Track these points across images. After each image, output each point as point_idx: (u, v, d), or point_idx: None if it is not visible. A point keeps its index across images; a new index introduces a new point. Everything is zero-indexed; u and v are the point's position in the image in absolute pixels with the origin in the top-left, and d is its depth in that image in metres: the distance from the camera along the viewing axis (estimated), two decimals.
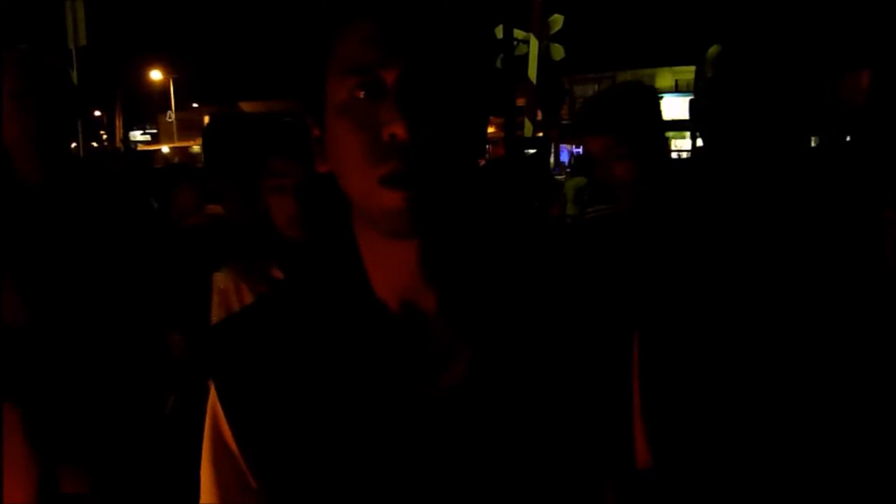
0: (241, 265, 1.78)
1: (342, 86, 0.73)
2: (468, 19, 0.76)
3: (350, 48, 0.72)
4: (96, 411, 1.80)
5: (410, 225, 0.71)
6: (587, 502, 0.77)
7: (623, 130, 1.82)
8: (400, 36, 0.71)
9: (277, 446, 0.78)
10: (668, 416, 0.80)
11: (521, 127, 11.65)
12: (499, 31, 10.88)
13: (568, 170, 14.62)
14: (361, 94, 0.71)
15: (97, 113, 40.79)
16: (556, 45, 11.15)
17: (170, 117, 40.34)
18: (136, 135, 43.79)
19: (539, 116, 11.69)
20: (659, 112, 1.93)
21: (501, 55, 10.88)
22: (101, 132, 41.37)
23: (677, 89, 29.61)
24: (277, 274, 1.71)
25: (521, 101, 12.49)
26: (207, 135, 2.31)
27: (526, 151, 8.63)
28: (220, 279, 1.78)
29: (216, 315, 1.77)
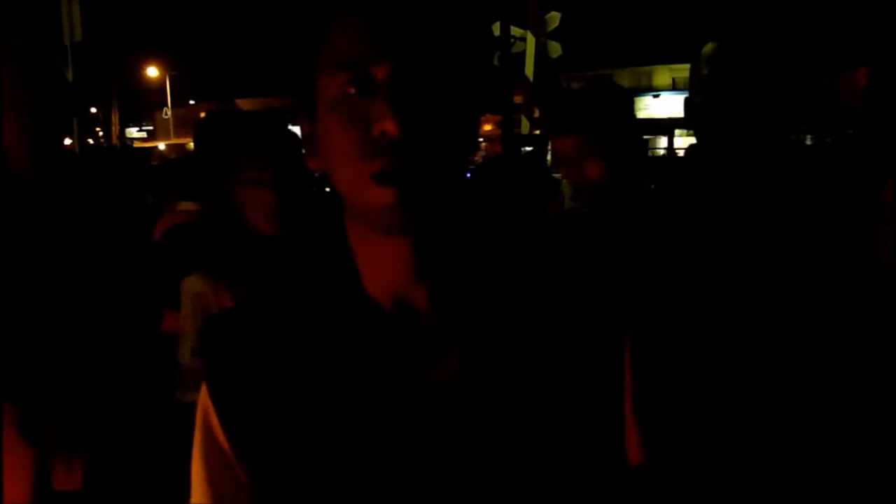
0: (215, 267, 1.75)
1: (333, 82, 0.72)
2: (460, 15, 0.75)
3: (341, 43, 0.72)
4: (88, 408, 1.79)
5: (401, 221, 0.71)
6: (579, 499, 0.77)
7: (596, 130, 1.81)
8: (391, 31, 0.70)
9: (268, 442, 0.78)
10: (660, 414, 0.80)
11: (519, 124, 11.65)
12: (496, 28, 10.86)
13: None
14: (352, 90, 0.71)
15: (93, 110, 40.71)
16: (553, 42, 11.13)
17: (166, 114, 40.29)
18: (133, 131, 43.74)
19: (536, 114, 11.67)
20: (632, 112, 1.94)
21: (498, 52, 10.87)
22: (98, 129, 41.27)
23: (675, 87, 29.64)
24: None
25: (518, 99, 12.48)
26: (199, 131, 2.31)
27: (523, 149, 8.63)
28: (195, 283, 1.75)
29: (192, 320, 1.75)
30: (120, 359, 1.87)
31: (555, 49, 11.13)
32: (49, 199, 1.85)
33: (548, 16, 11.08)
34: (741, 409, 1.28)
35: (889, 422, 1.28)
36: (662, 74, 32.47)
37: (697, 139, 1.49)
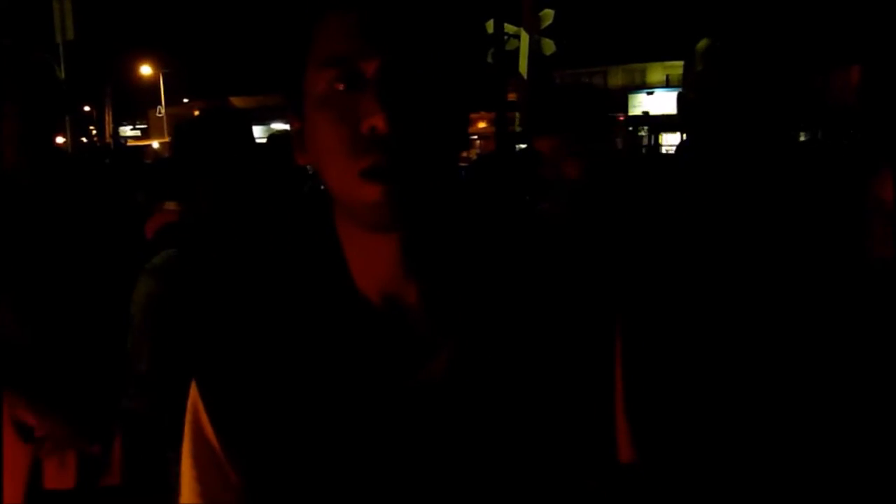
0: (171, 269, 1.68)
1: (322, 77, 0.72)
2: (450, 11, 0.75)
3: (329, 39, 0.72)
4: (80, 408, 1.79)
5: (391, 218, 0.70)
6: (569, 496, 0.77)
7: (575, 131, 1.88)
8: (380, 27, 0.70)
9: (259, 440, 0.77)
10: (650, 412, 0.80)
11: (513, 122, 11.66)
12: (489, 26, 10.87)
13: None
14: (341, 87, 0.71)
15: (86, 108, 40.60)
16: (547, 39, 11.14)
17: (160, 112, 40.17)
18: (126, 130, 43.63)
19: None
20: (607, 114, 2.03)
21: (492, 50, 10.88)
22: (91, 127, 41.16)
23: (668, 84, 29.67)
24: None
25: (512, 96, 12.49)
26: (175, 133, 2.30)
27: (517, 146, 8.63)
28: (151, 285, 1.67)
29: (147, 321, 1.65)
30: (113, 356, 1.87)
31: (548, 46, 11.14)
32: (40, 198, 1.84)
33: (541, 13, 11.09)
34: (733, 406, 1.28)
35: (881, 418, 1.29)
36: (656, 71, 32.51)
37: (690, 136, 1.49)
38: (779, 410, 1.29)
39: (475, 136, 27.80)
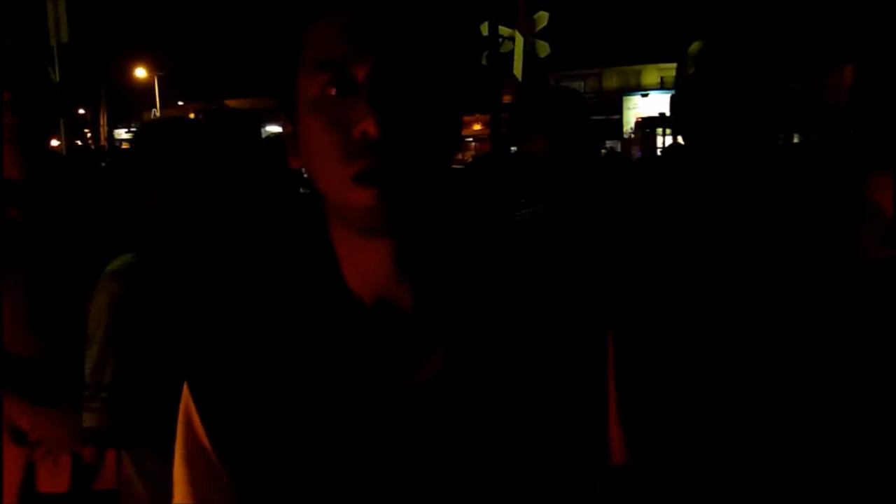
0: (133, 274, 1.62)
1: (314, 82, 0.72)
2: (443, 14, 0.75)
3: (321, 43, 0.72)
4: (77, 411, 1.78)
5: (383, 222, 0.70)
6: (563, 498, 0.77)
7: (553, 133, 1.91)
8: (371, 30, 0.70)
9: (252, 442, 0.77)
10: (643, 414, 0.81)
11: (507, 124, 11.64)
12: (484, 28, 10.86)
13: None
14: (333, 91, 0.71)
15: (81, 111, 40.51)
16: (542, 42, 11.14)
17: (155, 115, 40.09)
18: (121, 133, 43.49)
19: None
20: (587, 116, 2.04)
21: (487, 52, 10.88)
22: (86, 130, 41.08)
23: (663, 86, 29.69)
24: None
25: (507, 99, 12.48)
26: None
27: (512, 148, 8.62)
28: (114, 290, 1.61)
29: (112, 328, 1.59)
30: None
31: (543, 49, 11.13)
32: (36, 202, 1.84)
33: (536, 15, 11.09)
34: (725, 408, 1.29)
35: (871, 418, 1.29)
36: (651, 74, 32.54)
37: (682, 138, 1.49)
38: (772, 412, 1.30)
39: (470, 139, 27.81)
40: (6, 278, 1.75)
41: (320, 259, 0.80)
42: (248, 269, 0.89)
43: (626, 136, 29.09)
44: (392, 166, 0.69)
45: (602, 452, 0.80)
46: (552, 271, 0.81)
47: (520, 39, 10.99)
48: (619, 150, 24.51)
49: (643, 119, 24.26)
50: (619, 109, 29.87)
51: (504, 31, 11.12)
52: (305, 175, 0.81)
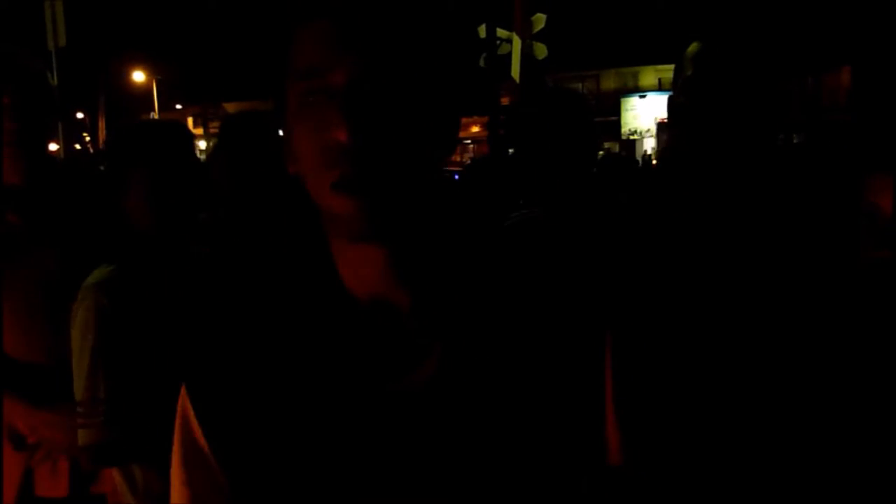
0: (116, 284, 1.60)
1: (296, 89, 0.72)
2: (429, 18, 0.74)
3: (304, 50, 0.72)
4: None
5: (365, 230, 0.71)
6: (559, 499, 0.77)
7: (564, 132, 1.91)
8: (350, 38, 0.70)
9: (249, 444, 0.78)
10: (640, 415, 0.81)
11: (505, 125, 11.64)
12: (482, 31, 10.88)
13: None
14: (314, 98, 0.71)
15: (79, 115, 40.49)
16: (539, 43, 11.16)
17: (153, 119, 39.99)
18: None
19: None
20: (588, 118, 2.04)
21: (484, 54, 10.89)
22: (84, 134, 41.06)
23: (661, 88, 29.71)
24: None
25: (504, 101, 12.49)
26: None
27: (509, 151, 8.63)
28: (98, 302, 1.59)
29: (99, 340, 1.58)
30: None
31: (540, 50, 11.16)
32: (35, 206, 1.84)
33: (533, 17, 11.12)
34: (722, 409, 1.29)
35: (871, 419, 1.29)
36: (648, 75, 32.54)
37: (680, 139, 1.49)
38: (770, 413, 1.29)
39: (468, 141, 27.82)
40: (6, 281, 1.74)
41: (317, 261, 0.80)
42: (247, 270, 0.89)
43: (623, 137, 29.13)
44: (370, 174, 0.68)
45: (597, 453, 0.80)
46: (549, 272, 0.81)
47: (517, 41, 11.01)
48: (616, 151, 24.53)
49: (661, 122, 24.27)
50: (616, 111, 29.89)
51: (501, 33, 11.15)
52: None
